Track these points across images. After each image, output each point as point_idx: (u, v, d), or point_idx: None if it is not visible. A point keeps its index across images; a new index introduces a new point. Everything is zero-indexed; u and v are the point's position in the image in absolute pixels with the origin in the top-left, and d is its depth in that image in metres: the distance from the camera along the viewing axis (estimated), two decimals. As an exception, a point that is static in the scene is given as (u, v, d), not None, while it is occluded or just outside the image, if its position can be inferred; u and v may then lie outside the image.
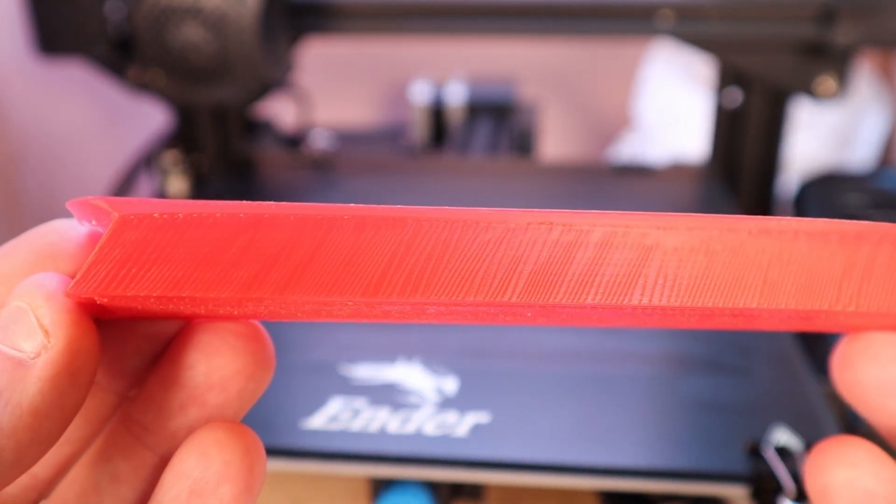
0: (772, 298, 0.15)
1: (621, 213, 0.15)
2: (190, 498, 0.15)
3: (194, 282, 0.14)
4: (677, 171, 0.69)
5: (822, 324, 0.17)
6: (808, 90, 0.64)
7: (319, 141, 0.74)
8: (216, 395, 0.16)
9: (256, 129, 0.76)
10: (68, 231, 0.16)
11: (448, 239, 0.15)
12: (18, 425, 0.13)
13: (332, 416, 0.38)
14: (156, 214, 0.14)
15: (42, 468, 0.16)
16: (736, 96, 0.67)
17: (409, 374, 0.41)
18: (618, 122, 1.25)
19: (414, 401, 0.39)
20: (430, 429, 0.37)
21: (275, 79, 0.66)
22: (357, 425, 0.37)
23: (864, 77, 1.06)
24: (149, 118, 0.94)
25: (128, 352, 0.17)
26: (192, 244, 0.14)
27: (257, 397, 0.17)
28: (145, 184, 0.77)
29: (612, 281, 0.15)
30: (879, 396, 0.17)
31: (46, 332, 0.14)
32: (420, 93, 0.92)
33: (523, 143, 0.89)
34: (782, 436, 0.36)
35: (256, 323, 0.17)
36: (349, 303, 0.15)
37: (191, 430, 0.16)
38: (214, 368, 0.16)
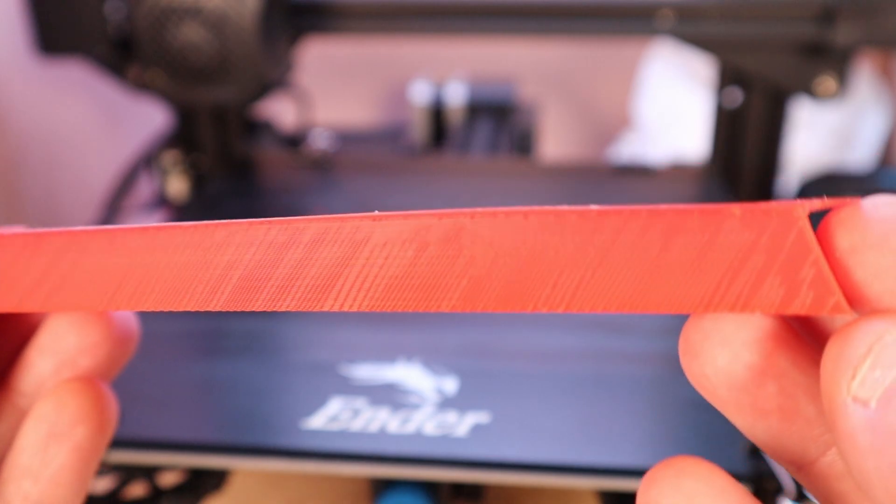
0: (473, 300, 0.13)
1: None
2: (48, 439, 0.17)
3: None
4: (677, 171, 0.69)
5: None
6: (808, 90, 0.64)
7: (319, 141, 0.74)
8: (87, 359, 0.18)
9: (256, 129, 0.76)
10: None
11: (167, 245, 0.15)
12: None
13: (332, 416, 0.38)
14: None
15: None
16: (736, 96, 0.67)
17: (409, 374, 0.41)
18: (618, 122, 1.25)
19: (414, 401, 0.39)
20: (430, 429, 0.37)
21: (275, 79, 0.66)
22: (357, 425, 0.37)
23: (864, 77, 1.06)
24: (149, 118, 0.93)
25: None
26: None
27: (125, 361, 0.19)
28: (145, 184, 0.77)
29: (311, 284, 0.14)
30: (732, 390, 0.15)
31: None
32: (420, 93, 0.92)
33: (523, 143, 0.89)
34: (782, 436, 0.36)
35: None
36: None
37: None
38: (85, 335, 0.18)
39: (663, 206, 0.13)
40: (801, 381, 0.14)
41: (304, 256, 0.14)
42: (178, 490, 0.40)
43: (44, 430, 0.17)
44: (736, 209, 0.13)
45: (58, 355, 0.18)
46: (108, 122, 1.15)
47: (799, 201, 0.13)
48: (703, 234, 0.13)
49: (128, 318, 0.19)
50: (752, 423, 0.15)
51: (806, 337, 0.15)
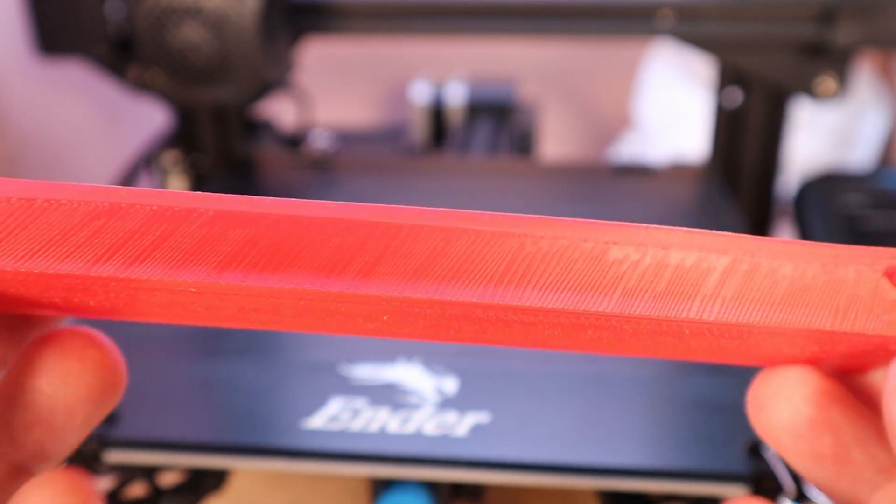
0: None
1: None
2: None
3: (44, 259, 0.15)
4: (677, 171, 0.69)
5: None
6: (808, 90, 0.64)
7: (319, 141, 0.74)
8: (62, 419, 0.16)
9: (256, 129, 0.76)
10: None
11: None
12: None
13: (332, 416, 0.38)
14: (13, 199, 0.15)
15: None
16: (736, 96, 0.67)
17: (409, 374, 0.41)
18: (618, 122, 1.25)
19: (414, 401, 0.39)
20: (430, 429, 0.37)
21: (275, 79, 0.66)
22: (357, 425, 0.37)
23: (864, 77, 1.06)
24: (149, 118, 0.94)
25: None
26: (46, 227, 0.15)
27: (104, 416, 0.17)
28: (145, 184, 0.77)
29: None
30: (793, 439, 0.17)
31: None
32: (420, 93, 0.92)
33: (523, 143, 0.89)
34: (782, 436, 0.36)
35: (107, 344, 0.17)
36: (192, 287, 0.15)
37: (37, 448, 0.16)
38: (60, 395, 0.16)
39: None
40: (851, 431, 0.17)
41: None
42: (178, 490, 0.40)
43: None
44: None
45: (30, 410, 0.16)
46: (108, 122, 1.15)
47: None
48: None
49: (117, 364, 0.17)
50: (810, 467, 0.17)
51: (854, 393, 0.17)
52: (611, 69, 1.23)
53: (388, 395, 0.39)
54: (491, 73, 1.07)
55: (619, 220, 0.16)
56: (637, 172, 0.68)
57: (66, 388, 0.16)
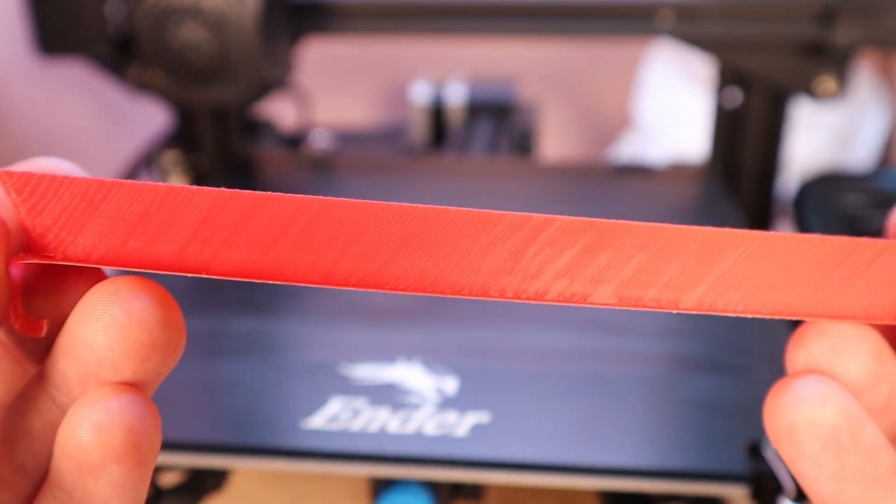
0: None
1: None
2: (81, 475, 0.15)
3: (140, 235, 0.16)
4: (677, 171, 0.69)
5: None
6: (808, 90, 0.64)
7: (319, 141, 0.74)
8: (111, 374, 0.16)
9: (256, 129, 0.76)
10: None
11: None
12: None
13: (332, 416, 0.38)
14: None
15: None
16: (736, 96, 0.67)
17: (409, 374, 0.41)
18: (618, 122, 1.25)
19: (414, 401, 0.39)
20: (430, 429, 0.37)
21: (275, 79, 0.66)
22: (357, 425, 0.37)
23: (864, 77, 1.06)
24: (149, 118, 0.94)
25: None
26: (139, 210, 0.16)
27: (162, 375, 0.17)
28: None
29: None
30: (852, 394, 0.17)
31: None
32: (420, 93, 0.92)
33: (523, 143, 0.89)
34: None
35: (161, 295, 0.16)
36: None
37: None
38: (104, 348, 0.16)
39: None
40: None
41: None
42: (178, 490, 0.40)
43: (74, 466, 0.15)
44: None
45: (82, 364, 0.16)
46: (108, 122, 1.15)
47: None
48: None
49: (173, 319, 0.16)
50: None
51: None
52: (611, 69, 1.23)
53: (388, 395, 0.39)
54: (491, 73, 1.07)
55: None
56: (637, 172, 0.68)
57: (109, 340, 0.16)
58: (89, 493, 0.16)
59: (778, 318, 0.17)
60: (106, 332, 0.16)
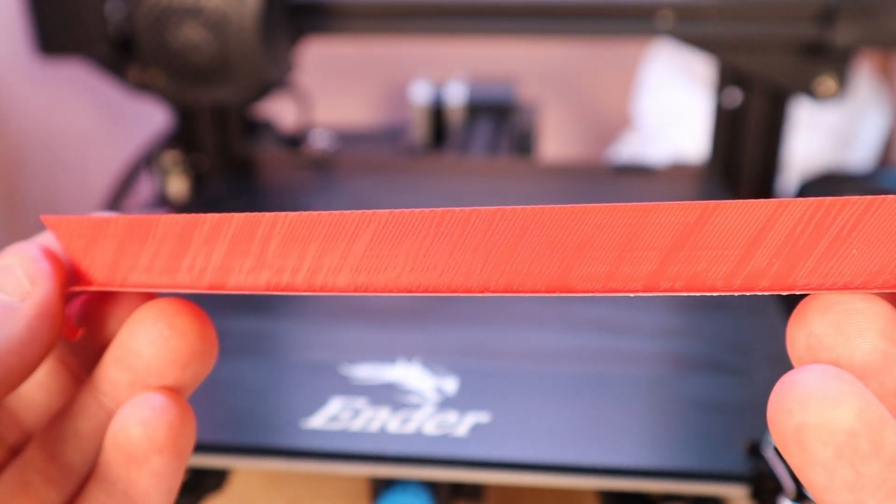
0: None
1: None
2: (126, 464, 0.18)
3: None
4: (677, 171, 0.69)
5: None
6: (808, 90, 0.64)
7: (319, 141, 0.74)
8: (156, 380, 0.19)
9: (256, 129, 0.76)
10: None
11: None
12: (9, 350, 0.17)
13: (332, 416, 0.38)
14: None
15: (27, 414, 0.20)
16: (736, 96, 0.67)
17: (409, 374, 0.41)
18: (618, 122, 1.25)
19: (414, 401, 0.39)
20: (430, 429, 0.37)
21: (275, 79, 0.66)
22: (357, 425, 0.37)
23: (864, 77, 1.06)
24: (149, 118, 0.94)
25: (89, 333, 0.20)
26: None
27: (200, 380, 0.20)
28: (145, 184, 0.77)
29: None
30: (861, 377, 0.15)
31: (30, 282, 0.18)
32: (420, 93, 0.92)
33: (523, 143, 0.89)
34: (782, 436, 0.36)
35: (199, 313, 0.19)
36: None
37: None
38: (151, 357, 0.18)
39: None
40: None
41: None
42: (178, 490, 0.40)
43: (122, 456, 0.18)
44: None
45: (132, 371, 0.19)
46: (108, 122, 1.15)
47: None
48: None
49: (209, 333, 0.19)
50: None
51: None
52: (611, 69, 1.23)
53: (388, 395, 0.39)
54: (491, 73, 1.07)
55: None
56: (637, 172, 0.68)
57: (156, 350, 0.18)
58: (132, 483, 0.18)
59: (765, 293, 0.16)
60: (153, 344, 0.18)
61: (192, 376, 0.19)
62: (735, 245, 0.16)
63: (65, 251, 0.19)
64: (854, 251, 0.15)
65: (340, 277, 0.17)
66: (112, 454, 0.18)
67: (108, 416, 0.19)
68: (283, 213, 0.17)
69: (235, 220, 0.17)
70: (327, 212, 0.16)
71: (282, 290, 0.17)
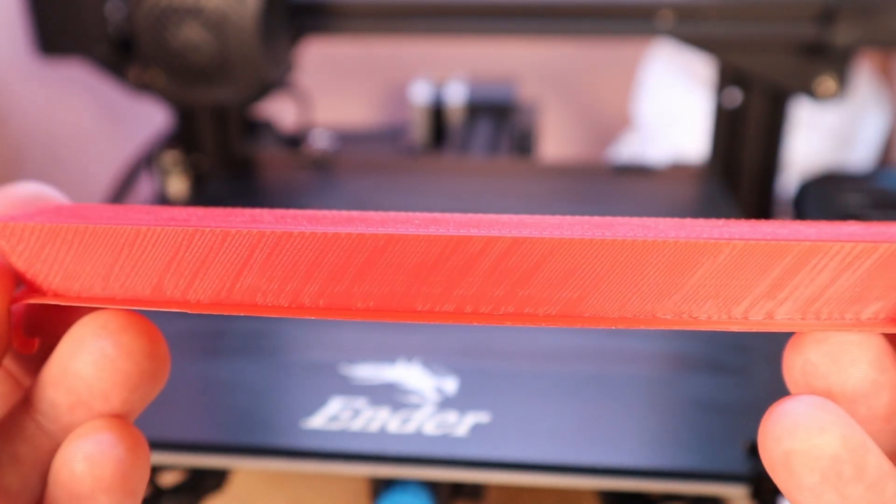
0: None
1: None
2: (71, 501, 0.16)
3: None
4: (677, 171, 0.69)
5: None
6: (808, 90, 0.64)
7: (319, 141, 0.74)
8: (101, 404, 0.17)
9: (256, 129, 0.76)
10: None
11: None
12: None
13: (332, 416, 0.38)
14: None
15: None
16: (736, 96, 0.67)
17: (409, 374, 0.41)
18: (618, 122, 1.25)
19: (414, 401, 0.39)
20: (430, 429, 0.37)
21: (275, 79, 0.66)
22: (357, 425, 0.37)
23: (864, 77, 1.06)
24: (149, 118, 0.94)
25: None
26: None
27: (147, 402, 0.18)
28: (145, 184, 0.77)
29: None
30: (850, 402, 0.16)
31: None
32: (420, 93, 0.92)
33: (523, 143, 0.89)
34: (782, 436, 0.36)
35: (148, 329, 0.17)
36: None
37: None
38: (94, 378, 0.17)
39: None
40: None
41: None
42: (178, 490, 0.40)
43: (66, 494, 0.16)
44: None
45: (73, 394, 0.17)
46: (108, 122, 1.15)
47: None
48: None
49: (160, 350, 0.17)
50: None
51: None
52: (611, 69, 1.23)
53: (388, 395, 0.39)
54: (491, 73, 1.07)
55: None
56: (637, 172, 0.68)
57: (99, 372, 0.17)
58: None
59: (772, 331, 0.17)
60: (96, 365, 0.16)
61: (142, 398, 0.17)
62: (737, 286, 0.17)
63: (15, 258, 0.17)
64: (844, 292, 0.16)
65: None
66: (57, 491, 0.16)
67: (49, 438, 0.17)
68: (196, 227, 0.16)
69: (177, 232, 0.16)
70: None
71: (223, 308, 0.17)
